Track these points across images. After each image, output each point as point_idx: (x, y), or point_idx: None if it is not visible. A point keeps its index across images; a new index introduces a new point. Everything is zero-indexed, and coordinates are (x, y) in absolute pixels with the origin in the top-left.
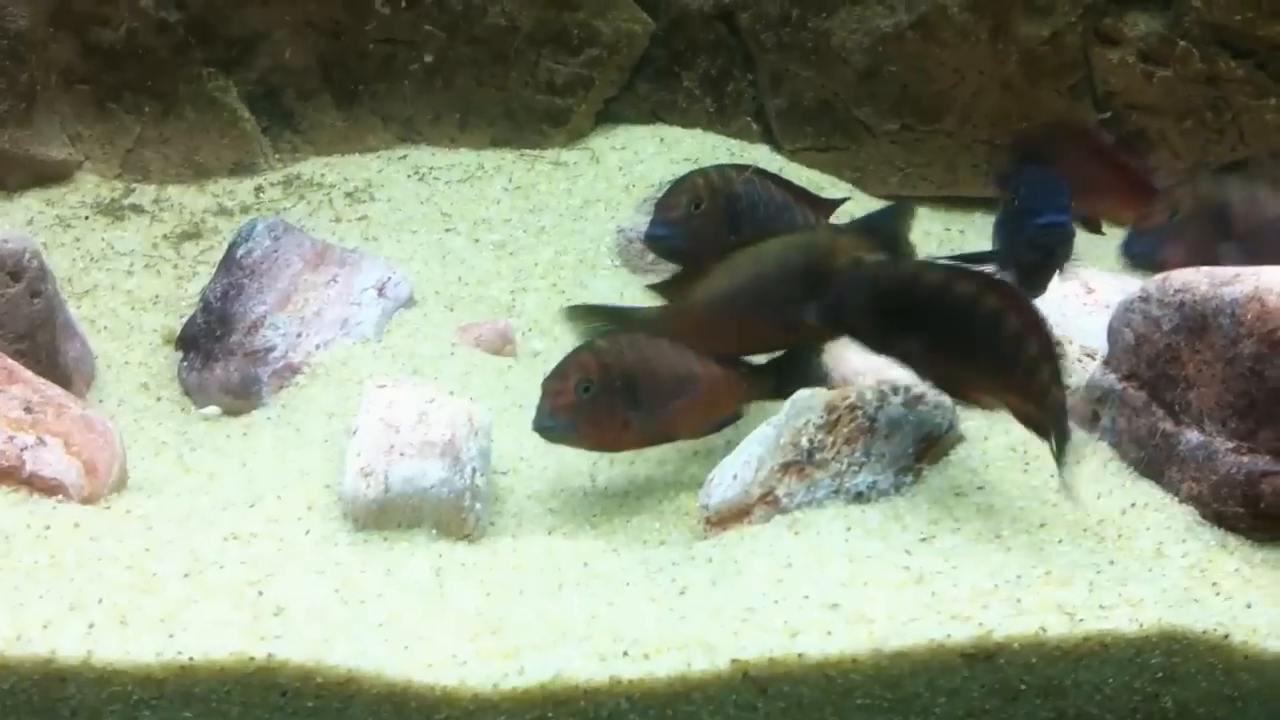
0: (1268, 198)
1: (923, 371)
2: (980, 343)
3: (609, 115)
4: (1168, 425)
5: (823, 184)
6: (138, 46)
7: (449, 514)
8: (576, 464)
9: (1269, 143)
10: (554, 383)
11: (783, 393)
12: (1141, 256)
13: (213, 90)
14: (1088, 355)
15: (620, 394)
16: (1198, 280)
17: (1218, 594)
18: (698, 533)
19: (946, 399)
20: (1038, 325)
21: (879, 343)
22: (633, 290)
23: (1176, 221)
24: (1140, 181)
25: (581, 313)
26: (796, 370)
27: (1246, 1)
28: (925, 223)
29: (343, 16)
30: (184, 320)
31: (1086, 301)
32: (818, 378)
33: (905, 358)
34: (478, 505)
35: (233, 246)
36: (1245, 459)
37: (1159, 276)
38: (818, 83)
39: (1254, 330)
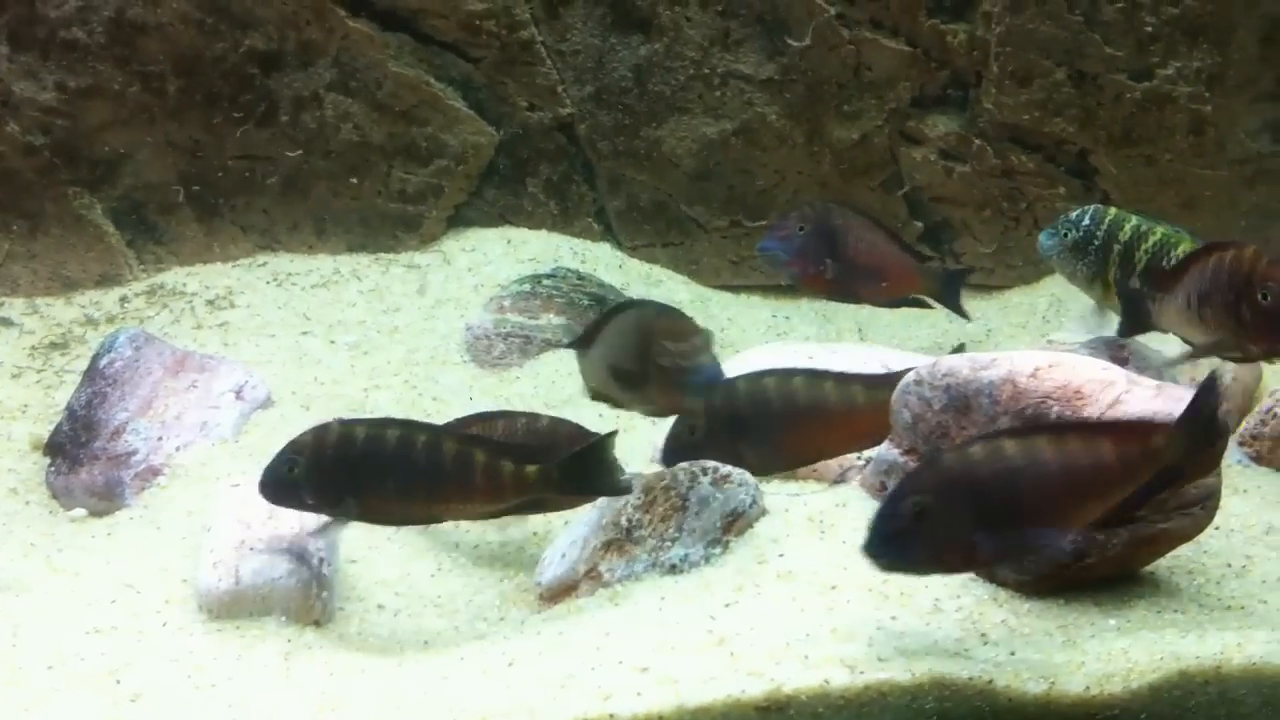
0: (863, 228)
1: None
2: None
3: (459, 219)
4: None
5: (661, 277)
6: (5, 169)
7: (297, 602)
8: (423, 550)
9: None
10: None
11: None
12: (770, 256)
13: (78, 208)
14: None
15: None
16: (960, 365)
17: (985, 643)
18: (535, 608)
19: (750, 478)
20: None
21: None
22: (482, 383)
23: (802, 234)
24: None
25: None
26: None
27: (1033, 102)
28: (755, 310)
29: (201, 136)
30: (51, 428)
31: None
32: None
33: None
34: (324, 593)
35: (96, 357)
36: None
37: (929, 362)
38: (652, 185)
39: (1009, 408)
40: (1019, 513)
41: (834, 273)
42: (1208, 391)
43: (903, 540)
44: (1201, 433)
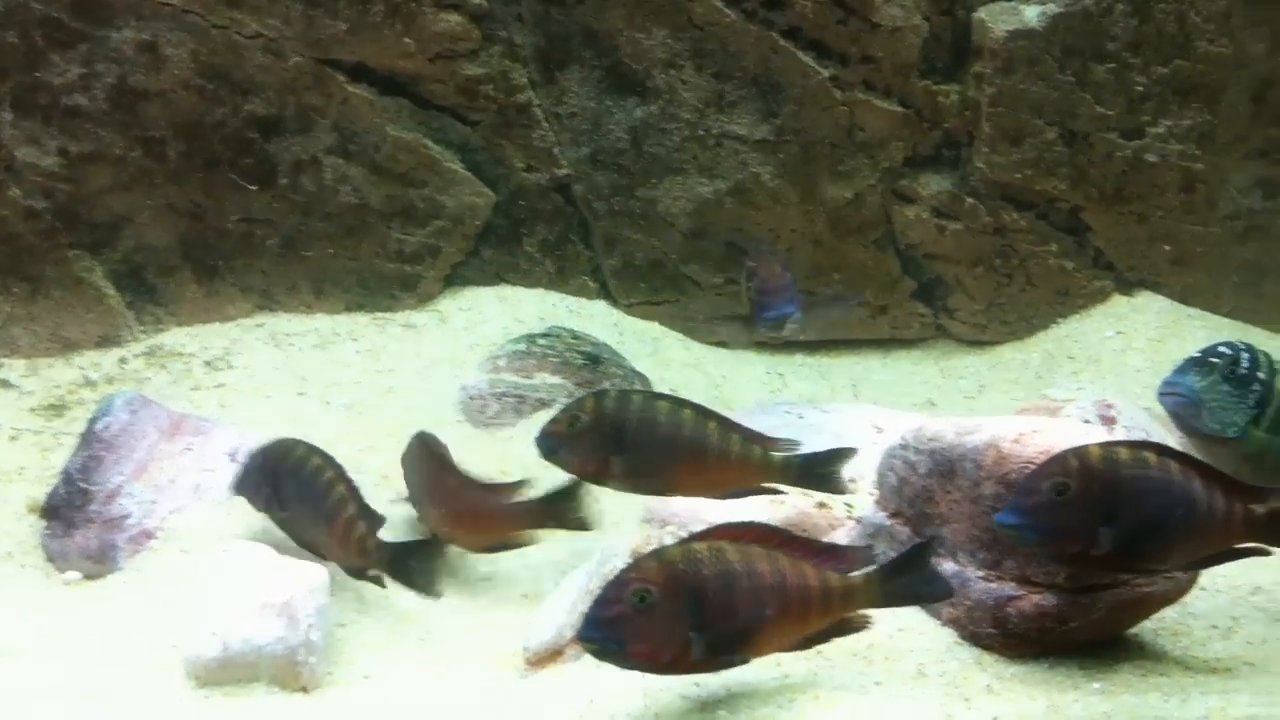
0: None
1: None
2: None
3: (456, 279)
4: None
5: (656, 335)
6: (7, 233)
7: (285, 668)
8: (412, 615)
9: (1054, 284)
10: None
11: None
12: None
13: (79, 270)
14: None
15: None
16: (945, 430)
17: (969, 709)
18: (522, 673)
19: None
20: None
21: None
22: (477, 442)
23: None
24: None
25: None
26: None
27: (1025, 161)
28: (749, 366)
29: (202, 199)
30: (48, 490)
31: (876, 440)
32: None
33: None
34: (312, 659)
35: (93, 420)
36: (993, 585)
37: (914, 426)
38: (647, 244)
39: (992, 473)
40: (733, 620)
41: None
42: (920, 549)
43: (620, 628)
44: (904, 589)
